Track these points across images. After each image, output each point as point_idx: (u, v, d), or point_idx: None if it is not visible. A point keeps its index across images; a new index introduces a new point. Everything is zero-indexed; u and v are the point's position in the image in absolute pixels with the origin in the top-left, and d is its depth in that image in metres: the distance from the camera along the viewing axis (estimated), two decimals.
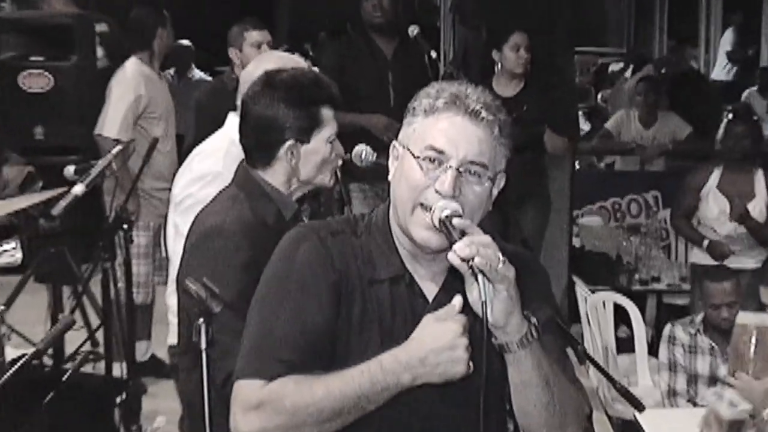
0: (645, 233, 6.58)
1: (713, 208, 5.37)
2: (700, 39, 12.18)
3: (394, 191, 1.96)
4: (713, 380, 4.25)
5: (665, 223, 6.79)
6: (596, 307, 4.95)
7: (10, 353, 3.95)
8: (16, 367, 2.74)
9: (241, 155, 2.73)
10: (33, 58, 6.87)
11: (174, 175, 3.24)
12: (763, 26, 11.86)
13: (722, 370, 4.14)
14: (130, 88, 5.45)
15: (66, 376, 4.02)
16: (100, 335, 4.89)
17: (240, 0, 9.57)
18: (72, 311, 5.14)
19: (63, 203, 3.69)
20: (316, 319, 1.89)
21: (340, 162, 2.72)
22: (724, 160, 5.44)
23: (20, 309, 5.34)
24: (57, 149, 6.61)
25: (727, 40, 11.98)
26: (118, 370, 4.35)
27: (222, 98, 3.22)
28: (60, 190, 4.23)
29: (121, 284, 4.52)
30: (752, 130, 5.48)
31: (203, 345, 2.06)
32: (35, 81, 6.81)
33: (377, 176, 2.82)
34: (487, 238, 1.80)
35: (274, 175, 2.60)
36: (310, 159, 2.59)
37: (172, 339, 3.07)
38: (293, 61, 3.03)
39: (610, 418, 4.73)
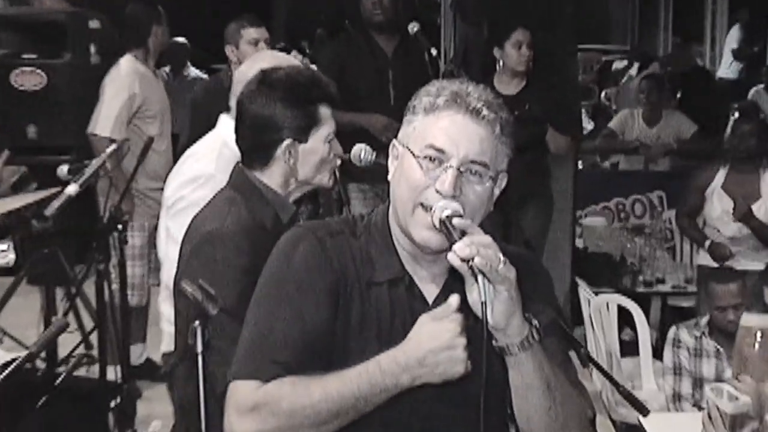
0: (649, 234, 6.58)
1: (717, 208, 5.37)
2: (705, 36, 12.18)
3: (393, 191, 1.96)
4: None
5: (670, 224, 6.80)
6: (600, 309, 4.95)
7: (2, 356, 3.93)
8: (8, 370, 2.73)
9: (234, 157, 2.73)
10: (26, 56, 6.86)
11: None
12: None
13: (728, 374, 4.13)
14: (125, 86, 5.45)
15: (59, 380, 4.03)
16: (94, 338, 4.88)
17: None
18: (65, 313, 5.14)
19: (56, 204, 3.68)
20: (314, 320, 1.89)
21: (338, 162, 2.72)
22: (730, 160, 5.44)
23: (13, 311, 5.34)
24: (50, 149, 6.60)
25: (733, 38, 11.98)
26: (113, 373, 4.35)
27: (218, 97, 3.22)
28: (53, 190, 4.23)
29: (115, 286, 4.52)
30: (759, 129, 5.48)
31: (199, 348, 2.06)
32: (28, 79, 6.81)
33: (377, 176, 2.82)
34: (488, 239, 1.80)
35: (272, 176, 2.60)
36: (308, 159, 2.59)
37: (166, 346, 3.07)
38: (288, 60, 3.03)
39: (613, 422, 4.73)
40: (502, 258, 1.79)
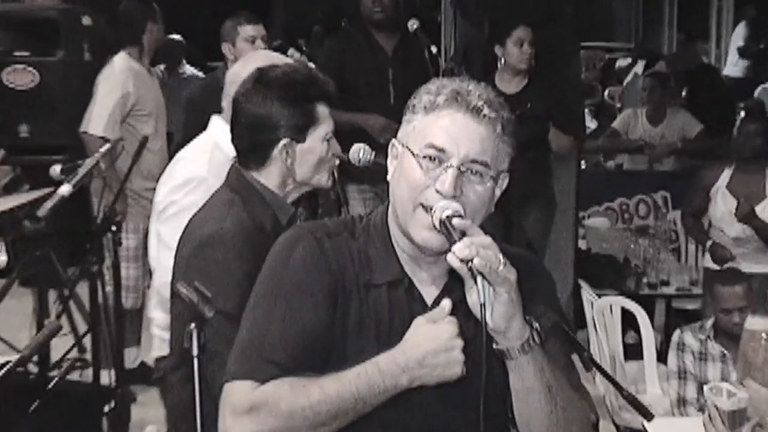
0: (654, 235, 6.58)
1: (722, 208, 5.37)
2: (710, 33, 12.18)
3: (393, 191, 1.96)
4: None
5: (675, 225, 6.80)
6: (603, 312, 4.95)
7: None
8: None
9: (227, 159, 2.73)
10: (17, 54, 6.85)
11: None
12: None
13: (734, 378, 4.12)
14: (118, 84, 5.45)
15: (52, 384, 4.03)
16: (87, 341, 4.88)
17: None
18: (58, 316, 5.13)
19: (49, 204, 3.68)
20: (311, 321, 1.90)
21: (337, 162, 2.72)
22: (736, 160, 5.43)
23: (4, 314, 5.34)
24: (43, 148, 6.59)
25: (739, 35, 11.97)
26: (106, 377, 4.35)
27: (214, 95, 3.21)
28: (46, 191, 4.23)
29: (109, 288, 4.52)
30: (765, 129, 5.47)
31: (195, 351, 2.06)
32: (20, 77, 6.80)
33: (376, 176, 2.83)
34: (488, 239, 1.80)
35: (269, 177, 2.59)
36: (306, 159, 2.59)
37: (157, 351, 3.06)
38: (282, 60, 3.02)
39: (617, 427, 4.73)
40: (502, 259, 1.79)
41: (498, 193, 1.96)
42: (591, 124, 9.21)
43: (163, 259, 2.94)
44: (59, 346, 4.90)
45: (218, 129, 3.06)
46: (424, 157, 1.89)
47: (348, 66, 5.38)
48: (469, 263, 1.76)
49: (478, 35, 6.99)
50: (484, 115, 1.90)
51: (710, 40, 12.09)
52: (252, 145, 2.58)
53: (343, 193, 4.60)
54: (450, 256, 1.79)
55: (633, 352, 5.09)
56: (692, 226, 5.68)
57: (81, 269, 5.00)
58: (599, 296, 5.13)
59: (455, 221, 1.83)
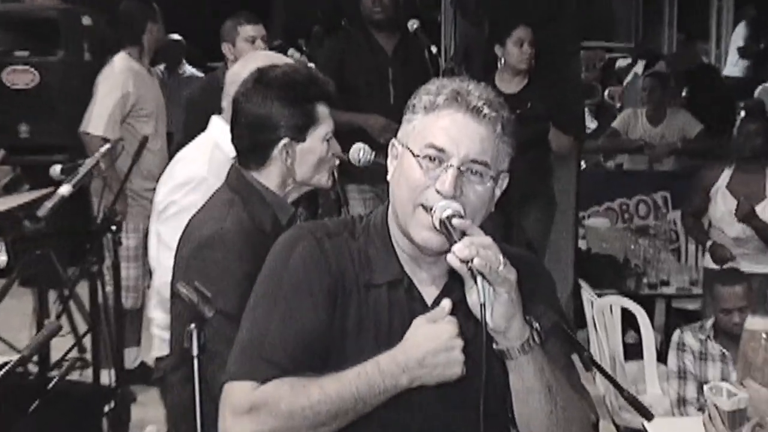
0: (654, 235, 6.58)
1: (722, 208, 5.37)
2: (711, 33, 12.17)
3: (393, 192, 1.96)
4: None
5: (675, 225, 6.80)
6: (603, 311, 4.96)
7: None
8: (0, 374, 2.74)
9: (227, 160, 2.73)
10: (17, 54, 6.86)
11: None
12: None
13: (734, 378, 4.12)
14: (118, 84, 5.45)
15: (52, 384, 4.03)
16: (87, 341, 4.88)
17: None
18: (58, 316, 5.13)
19: (49, 204, 3.68)
20: (311, 321, 1.90)
21: (337, 162, 2.72)
22: (736, 160, 5.44)
23: (4, 314, 5.34)
24: (43, 148, 6.60)
25: (739, 35, 11.97)
26: (107, 377, 4.35)
27: (215, 95, 3.22)
28: (46, 191, 4.23)
29: (109, 288, 4.52)
30: (765, 129, 5.47)
31: (195, 351, 2.06)
32: (20, 77, 6.81)
33: (376, 177, 2.83)
34: (488, 239, 1.81)
35: (269, 177, 2.59)
36: (306, 159, 2.59)
37: (157, 351, 3.06)
38: (281, 60, 3.03)
39: (617, 427, 4.73)
40: (502, 259, 1.79)
41: (498, 193, 1.97)
42: (591, 124, 9.22)
43: (163, 259, 2.94)
44: (59, 346, 4.91)
45: (218, 129, 3.06)
46: (424, 157, 1.90)
47: (348, 66, 5.38)
48: (469, 263, 1.76)
49: (478, 35, 6.99)
50: (484, 115, 1.90)
51: (710, 40, 12.09)
52: (252, 145, 2.58)
53: (343, 193, 4.60)
54: (450, 256, 1.79)
55: (633, 352, 5.09)
56: (692, 226, 5.68)
57: (81, 269, 5.00)
58: (599, 296, 5.13)
59: (455, 221, 1.83)
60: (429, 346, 1.83)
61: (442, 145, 1.88)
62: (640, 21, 12.72)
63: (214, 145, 3.02)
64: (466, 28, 7.76)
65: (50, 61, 6.83)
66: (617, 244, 6.50)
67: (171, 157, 3.42)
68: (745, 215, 5.23)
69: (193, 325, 2.08)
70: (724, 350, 4.32)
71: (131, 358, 5.40)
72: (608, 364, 4.77)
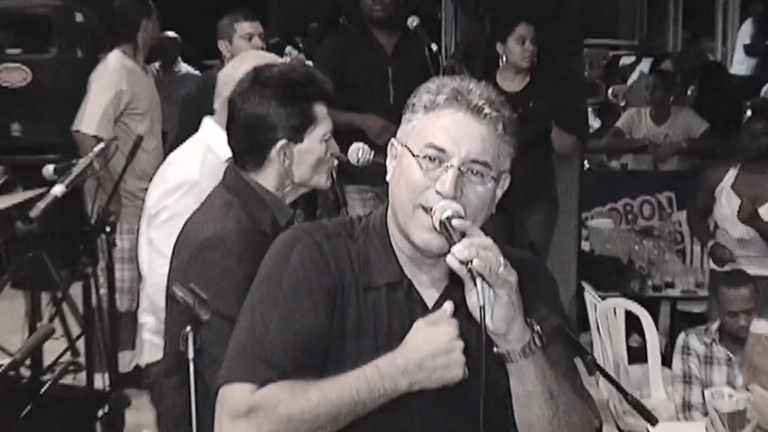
0: (658, 236, 6.58)
1: (726, 208, 5.37)
2: (717, 31, 12.18)
3: (392, 192, 1.97)
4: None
5: (680, 226, 6.80)
6: (606, 314, 4.96)
7: None
8: None
9: (219, 162, 2.73)
10: (10, 51, 6.86)
11: None
12: None
13: (740, 382, 4.14)
14: (112, 82, 5.45)
15: (45, 388, 4.02)
16: (81, 344, 4.89)
17: None
18: (51, 319, 5.14)
19: (42, 205, 3.69)
20: (310, 323, 1.90)
21: (335, 162, 2.72)
22: (741, 159, 5.43)
23: None
24: (35, 147, 6.60)
25: (745, 32, 11.98)
26: (100, 381, 4.36)
27: (211, 95, 3.22)
28: (39, 191, 4.23)
29: (103, 290, 4.53)
30: None
31: (191, 354, 2.06)
32: (12, 75, 6.81)
33: (376, 177, 2.83)
34: (488, 241, 1.81)
35: (267, 178, 2.59)
36: (304, 159, 2.58)
37: (148, 357, 3.06)
38: (276, 60, 3.02)
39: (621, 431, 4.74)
40: (502, 261, 1.79)
41: (499, 193, 1.97)
42: (594, 123, 9.22)
43: (156, 266, 2.93)
44: (52, 350, 4.91)
45: (210, 131, 3.05)
46: (424, 157, 1.90)
47: (347, 65, 5.38)
48: (469, 264, 1.76)
49: (479, 32, 7.00)
50: (485, 115, 1.90)
51: (716, 37, 12.09)
52: (249, 146, 2.58)
53: (342, 193, 4.60)
54: (449, 258, 1.79)
55: (637, 355, 5.09)
56: (696, 226, 5.69)
57: (74, 271, 5.01)
58: (603, 298, 5.13)
59: (455, 222, 1.83)
60: (428, 348, 1.83)
61: (442, 145, 1.89)
62: (645, 18, 12.73)
63: (206, 148, 3.02)
64: (467, 25, 7.77)
65: (43, 58, 6.83)
66: (621, 245, 6.50)
67: (167, 156, 3.42)
68: (748, 217, 5.24)
69: (189, 328, 2.08)
70: (730, 354, 4.32)
71: (126, 361, 5.40)
72: (612, 368, 4.77)
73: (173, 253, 2.60)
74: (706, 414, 4.29)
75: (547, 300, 2.01)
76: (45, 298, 5.31)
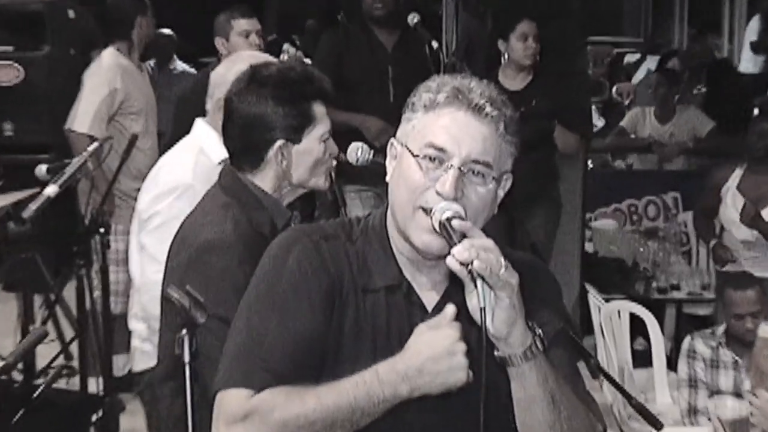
0: (663, 237, 6.58)
1: (731, 209, 5.37)
2: (723, 27, 12.17)
3: (392, 193, 1.96)
4: (737, 397, 4.25)
5: (685, 227, 6.80)
6: (611, 317, 4.96)
7: None
8: None
9: (212, 164, 2.72)
10: (1, 49, 6.86)
11: None
12: None
13: (747, 386, 4.14)
14: (105, 80, 5.45)
15: (38, 393, 4.03)
16: (74, 348, 4.89)
17: None
18: (44, 322, 5.14)
19: (34, 206, 3.69)
20: (308, 325, 1.90)
21: (334, 162, 2.72)
22: (747, 159, 5.43)
23: None
24: (28, 147, 6.60)
25: (753, 29, 11.96)
26: (94, 385, 4.36)
27: (206, 93, 3.22)
28: (31, 192, 4.23)
29: (97, 293, 4.52)
30: None
31: (186, 358, 2.06)
32: (4, 73, 6.81)
33: (376, 177, 2.83)
34: (489, 242, 1.81)
35: (264, 179, 2.58)
36: (302, 160, 2.58)
37: (140, 365, 3.06)
38: (269, 60, 3.02)
39: None
40: (503, 262, 1.79)
41: (501, 194, 1.97)
42: (598, 122, 9.22)
43: (150, 273, 2.92)
44: (45, 353, 4.92)
45: (203, 133, 3.05)
46: (424, 157, 1.90)
47: (346, 63, 5.38)
48: (469, 266, 1.76)
49: (480, 29, 7.01)
50: (486, 114, 1.90)
51: (722, 34, 12.07)
52: (245, 146, 2.57)
53: (340, 194, 4.60)
54: (449, 259, 1.79)
55: (642, 359, 5.10)
56: (701, 226, 5.69)
57: (68, 273, 5.02)
58: (607, 301, 5.14)
59: (455, 223, 1.83)
60: (429, 352, 1.82)
61: (442, 145, 1.89)
62: (650, 15, 12.72)
63: (199, 150, 3.01)
64: (469, 22, 7.78)
65: (36, 56, 6.83)
66: (625, 246, 6.50)
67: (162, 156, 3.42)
68: (751, 219, 5.23)
69: (184, 331, 2.08)
70: (737, 358, 4.32)
71: (120, 365, 5.39)
72: (616, 372, 4.77)
73: (169, 256, 2.59)
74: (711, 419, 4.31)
75: (549, 303, 2.02)
76: (38, 300, 5.31)
